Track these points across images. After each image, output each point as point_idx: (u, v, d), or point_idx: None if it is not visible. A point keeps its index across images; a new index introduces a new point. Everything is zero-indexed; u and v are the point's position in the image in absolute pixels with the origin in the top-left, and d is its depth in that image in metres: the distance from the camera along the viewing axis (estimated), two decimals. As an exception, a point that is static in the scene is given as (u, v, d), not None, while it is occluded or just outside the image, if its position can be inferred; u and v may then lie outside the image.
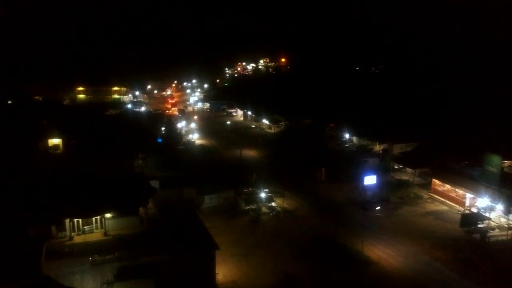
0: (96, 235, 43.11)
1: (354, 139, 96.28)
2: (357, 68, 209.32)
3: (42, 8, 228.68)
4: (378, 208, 52.66)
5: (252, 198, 58.52)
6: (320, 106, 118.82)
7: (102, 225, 43.52)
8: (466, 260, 44.99)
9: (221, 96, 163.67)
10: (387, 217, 55.52)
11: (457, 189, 60.12)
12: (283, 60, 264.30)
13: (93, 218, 43.35)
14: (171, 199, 54.25)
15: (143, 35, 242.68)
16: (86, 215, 42.68)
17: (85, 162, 66.47)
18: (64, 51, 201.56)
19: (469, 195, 58.37)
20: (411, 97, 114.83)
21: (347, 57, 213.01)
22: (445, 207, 59.91)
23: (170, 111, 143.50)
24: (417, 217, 56.55)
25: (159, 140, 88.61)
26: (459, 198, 59.73)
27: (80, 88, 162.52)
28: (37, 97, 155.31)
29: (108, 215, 43.28)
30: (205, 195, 58.66)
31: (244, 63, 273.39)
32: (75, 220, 42.70)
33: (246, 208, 57.44)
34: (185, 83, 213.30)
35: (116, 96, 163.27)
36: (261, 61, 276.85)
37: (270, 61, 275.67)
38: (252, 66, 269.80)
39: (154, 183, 55.10)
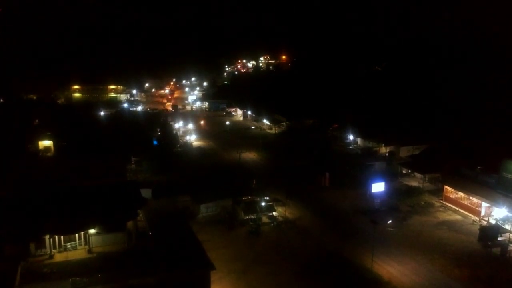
0: (79, 253, 39.14)
1: (359, 140, 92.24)
2: (359, 66, 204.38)
3: (38, 5, 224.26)
4: (389, 221, 48.51)
5: (252, 207, 54.55)
6: (323, 105, 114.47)
7: (86, 241, 39.57)
8: (486, 279, 40.96)
9: (221, 95, 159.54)
10: (398, 228, 51.42)
11: (471, 197, 56.08)
12: (283, 57, 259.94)
13: (76, 234, 39.41)
14: (163, 210, 50.27)
15: (141, 32, 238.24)
16: (69, 231, 38.64)
17: (75, 168, 62.61)
18: (60, 48, 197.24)
19: (484, 204, 54.35)
20: (419, 96, 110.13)
21: (350, 54, 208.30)
22: (458, 217, 55.86)
23: (165, 107, 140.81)
24: (429, 228, 52.50)
25: (155, 143, 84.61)
26: (474, 207, 55.67)
27: (76, 87, 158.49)
28: (31, 95, 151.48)
29: (92, 231, 39.31)
30: (201, 204, 54.57)
31: (244, 61, 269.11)
32: (56, 236, 38.78)
33: (245, 218, 53.46)
34: (184, 81, 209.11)
35: (112, 94, 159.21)
36: (262, 59, 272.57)
37: (271, 59, 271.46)
38: (253, 64, 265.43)
39: (146, 192, 51.23)
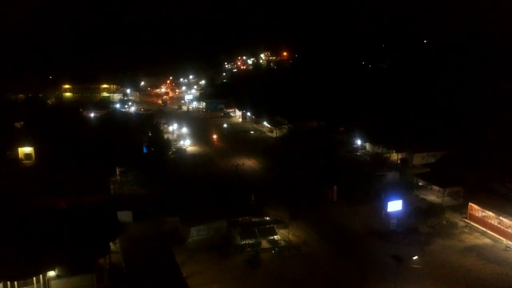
0: (37, 299, 32.10)
1: (367, 146, 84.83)
2: (363, 63, 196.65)
3: (29, 2, 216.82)
4: (415, 257, 41.07)
5: (250, 230, 47.37)
6: (327, 106, 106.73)
7: (45, 285, 32.44)
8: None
9: (219, 94, 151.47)
10: (420, 256, 43.92)
11: (501, 217, 48.78)
12: (285, 53, 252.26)
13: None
14: (144, 237, 43.27)
15: (136, 28, 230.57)
16: (23, 275, 31.50)
17: (50, 181, 55.50)
18: (52, 45, 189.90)
19: (518, 226, 47.10)
20: (432, 96, 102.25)
21: (353, 51, 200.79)
22: (487, 240, 48.56)
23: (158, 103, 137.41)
24: (455, 255, 45.20)
25: (144, 150, 77.31)
26: (505, 229, 48.39)
27: (67, 86, 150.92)
28: (20, 95, 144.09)
29: (52, 273, 32.17)
30: (191, 227, 47.33)
31: (244, 57, 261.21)
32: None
33: (242, 243, 46.29)
34: (181, 79, 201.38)
35: (105, 94, 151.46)
36: (262, 55, 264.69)
37: (272, 55, 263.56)
38: (253, 61, 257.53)
39: (126, 215, 44.18)
